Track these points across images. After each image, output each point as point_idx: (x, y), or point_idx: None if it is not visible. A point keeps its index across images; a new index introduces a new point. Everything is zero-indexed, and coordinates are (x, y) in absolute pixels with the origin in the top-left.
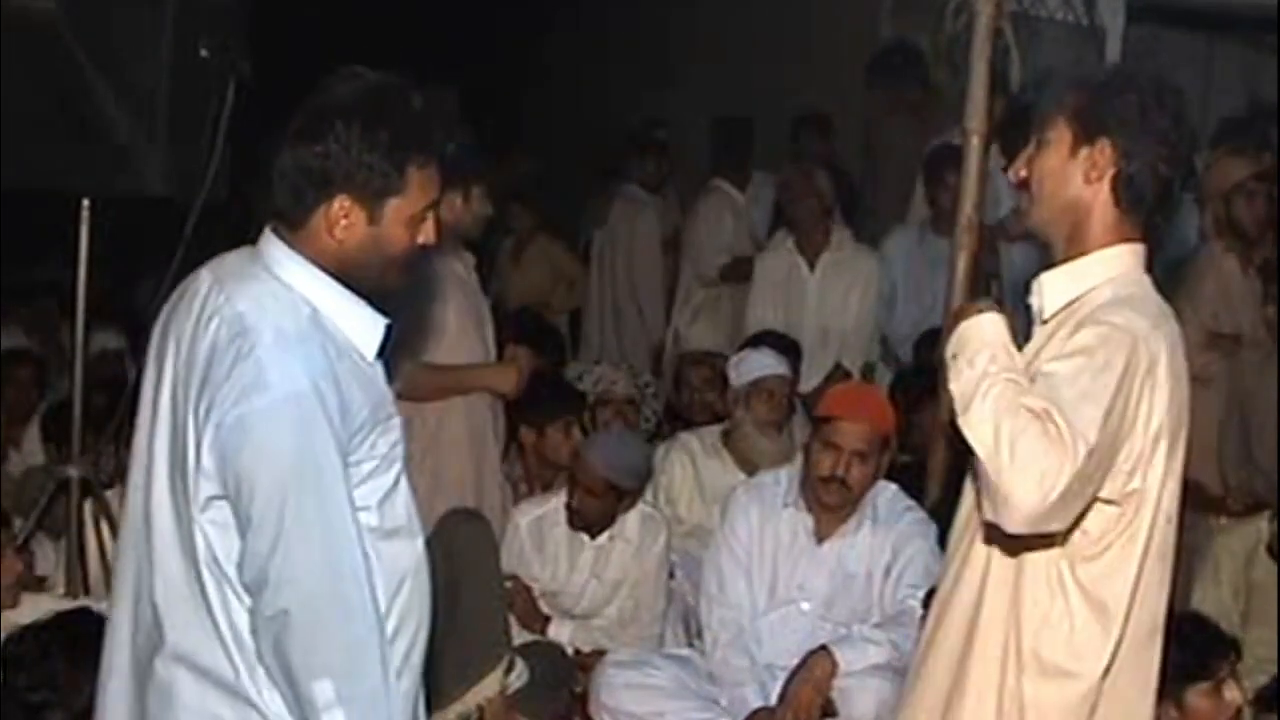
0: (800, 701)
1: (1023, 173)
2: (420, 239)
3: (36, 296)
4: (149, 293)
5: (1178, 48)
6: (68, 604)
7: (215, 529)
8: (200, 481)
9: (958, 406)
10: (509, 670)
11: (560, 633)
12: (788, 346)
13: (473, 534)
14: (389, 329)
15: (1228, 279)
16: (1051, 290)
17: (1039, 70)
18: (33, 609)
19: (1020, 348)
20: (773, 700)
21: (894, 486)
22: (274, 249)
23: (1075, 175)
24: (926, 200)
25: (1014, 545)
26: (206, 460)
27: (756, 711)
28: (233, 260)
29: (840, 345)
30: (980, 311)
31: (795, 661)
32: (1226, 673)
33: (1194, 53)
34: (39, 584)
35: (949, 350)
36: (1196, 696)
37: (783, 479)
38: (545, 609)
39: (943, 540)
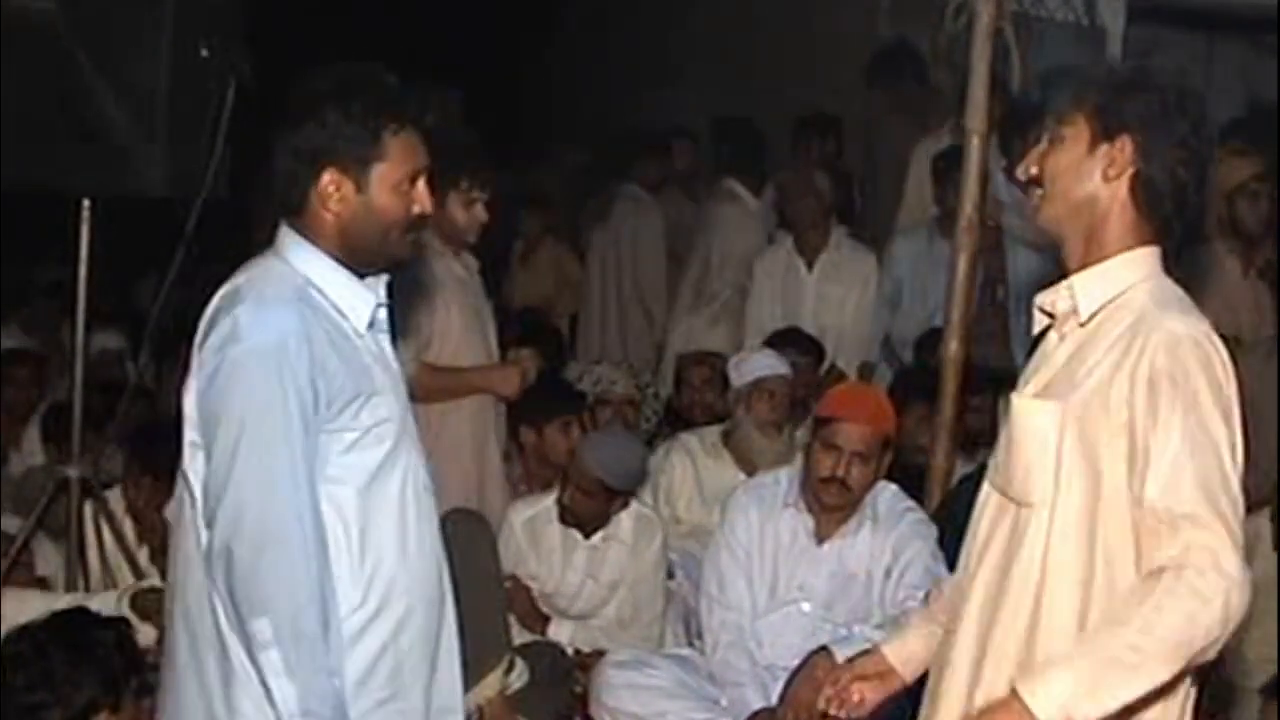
0: (801, 702)
1: (1034, 169)
2: (416, 208)
3: (36, 296)
4: (149, 293)
5: (1178, 48)
6: (54, 601)
7: (198, 480)
8: (187, 431)
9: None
10: (509, 670)
11: (560, 633)
12: (808, 345)
13: (473, 534)
14: (392, 309)
15: (1229, 280)
16: (1085, 292)
17: (1041, 70)
18: (18, 607)
19: (1026, 352)
20: (773, 701)
21: (894, 487)
22: (283, 236)
23: (1093, 172)
24: (935, 202)
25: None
26: (190, 408)
27: (757, 712)
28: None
29: (837, 345)
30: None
31: (796, 662)
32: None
33: (1194, 53)
34: (39, 584)
35: None
36: None
37: (783, 479)
38: (544, 609)
39: (943, 541)
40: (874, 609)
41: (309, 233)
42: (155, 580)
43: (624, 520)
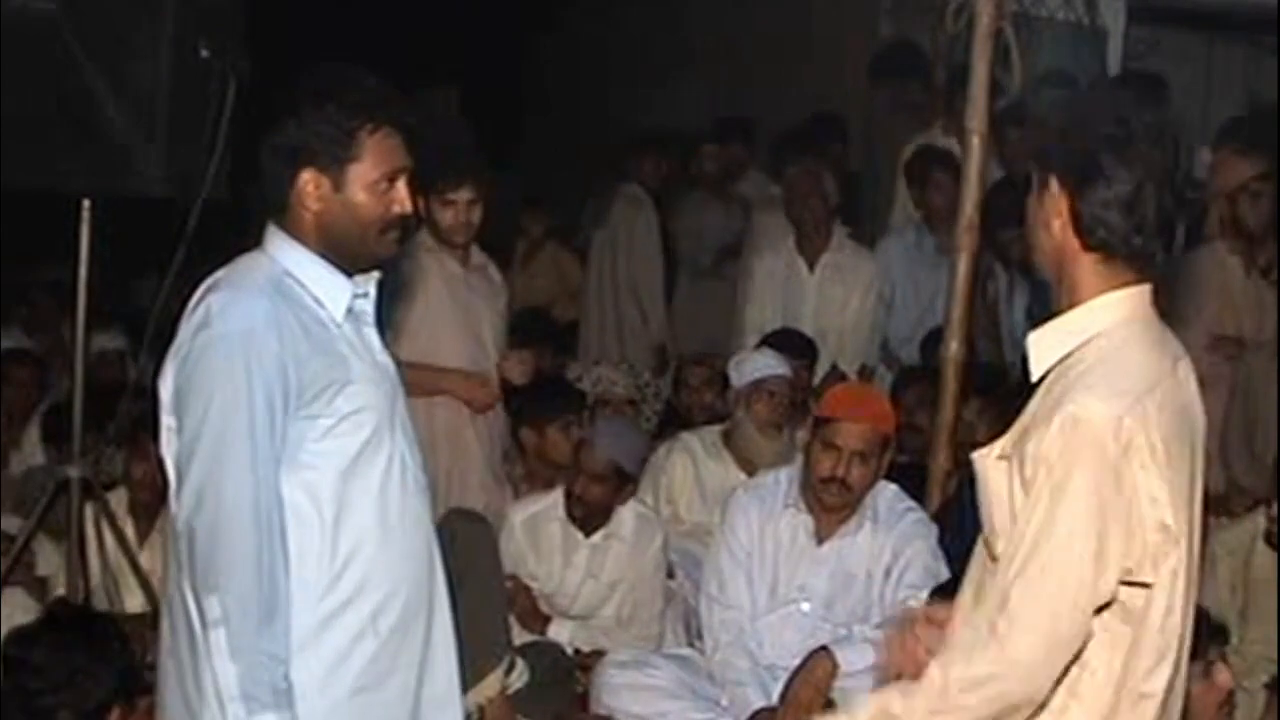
0: (801, 702)
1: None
2: (395, 208)
3: (37, 296)
4: (149, 293)
5: (1178, 48)
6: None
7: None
8: (164, 415)
9: None
10: (509, 670)
11: (560, 633)
12: (803, 346)
13: (473, 534)
14: (380, 301)
15: (1232, 280)
16: (1038, 350)
17: (1042, 70)
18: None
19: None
20: (773, 700)
21: (894, 487)
22: (270, 232)
23: (1046, 221)
24: (914, 202)
25: None
26: (164, 392)
27: (758, 712)
28: None
29: (838, 346)
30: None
31: (796, 662)
32: (1216, 655)
33: (1194, 53)
34: (40, 585)
35: None
36: (1188, 679)
37: (783, 479)
38: (544, 609)
39: (943, 541)
40: (874, 609)
41: (292, 230)
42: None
43: (626, 519)
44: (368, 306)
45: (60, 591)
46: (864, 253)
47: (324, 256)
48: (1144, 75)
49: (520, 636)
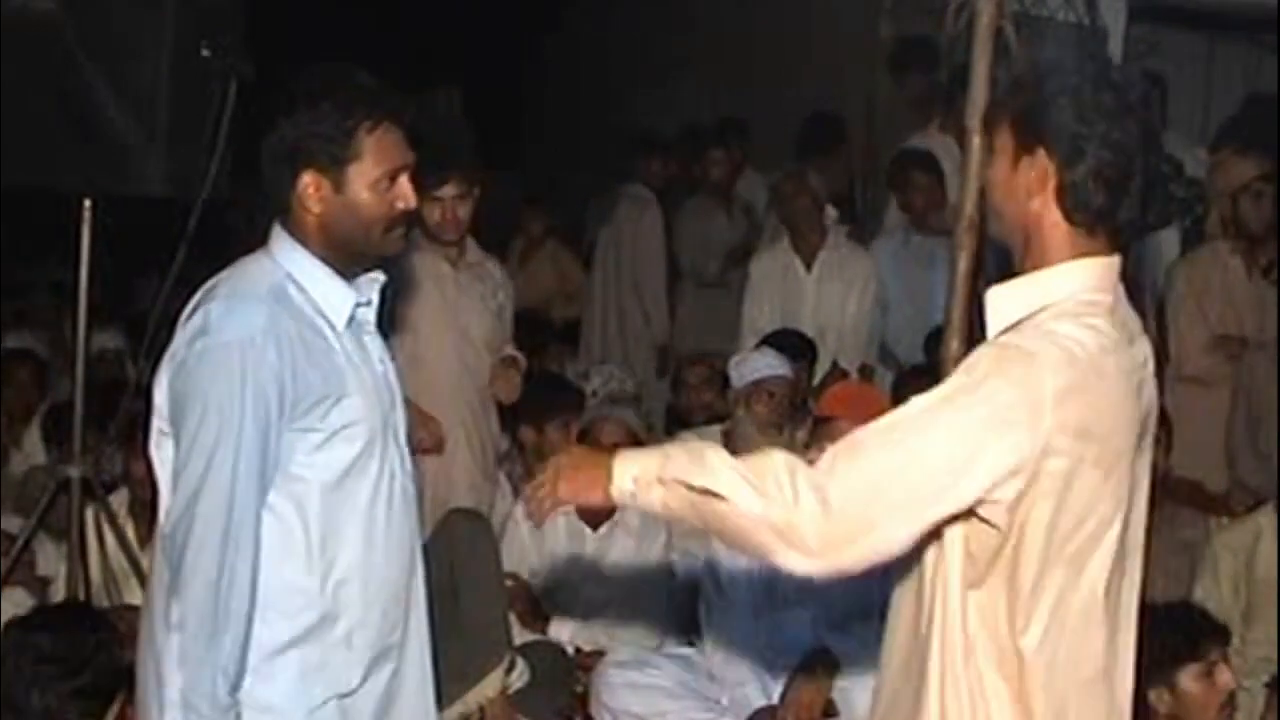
0: (801, 701)
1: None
2: (399, 204)
3: (37, 296)
4: (149, 293)
5: (1178, 48)
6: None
7: (164, 467)
8: (156, 419)
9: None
10: (509, 670)
11: (560, 632)
12: (803, 346)
13: (473, 534)
14: (383, 308)
15: (1234, 280)
16: (996, 308)
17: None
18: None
19: None
20: (774, 700)
21: None
22: (274, 234)
23: (1019, 188)
24: (899, 205)
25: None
26: (159, 397)
27: (758, 711)
28: None
29: (837, 345)
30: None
31: (796, 661)
32: (1218, 655)
33: (1194, 53)
34: (40, 584)
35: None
36: (1188, 679)
37: None
38: (545, 607)
39: None
40: (874, 608)
41: (295, 231)
42: None
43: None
44: (370, 315)
45: (61, 591)
46: (861, 251)
47: (326, 259)
48: (1144, 74)
49: (520, 636)
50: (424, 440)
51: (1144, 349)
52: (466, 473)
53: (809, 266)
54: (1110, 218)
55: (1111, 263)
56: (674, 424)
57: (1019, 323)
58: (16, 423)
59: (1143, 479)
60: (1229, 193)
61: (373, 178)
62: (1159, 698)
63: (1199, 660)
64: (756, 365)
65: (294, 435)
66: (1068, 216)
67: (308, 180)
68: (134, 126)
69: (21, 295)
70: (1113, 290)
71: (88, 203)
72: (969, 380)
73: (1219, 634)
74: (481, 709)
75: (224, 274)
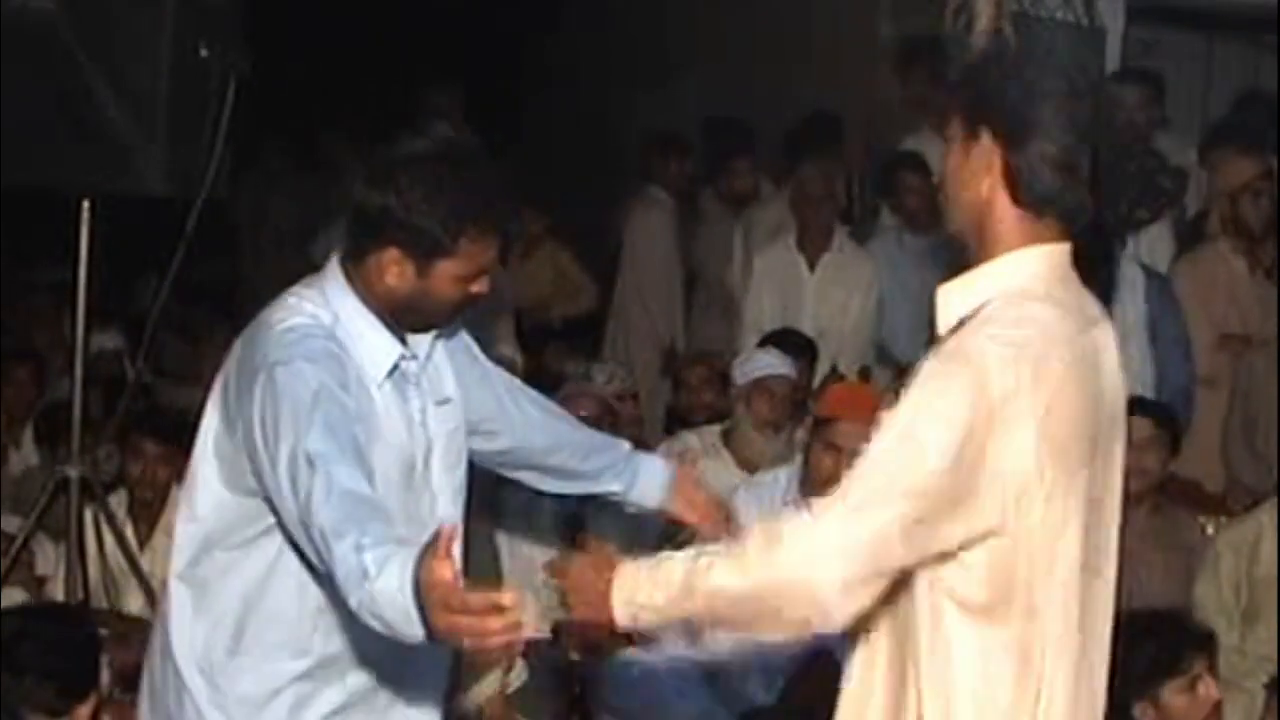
0: (801, 701)
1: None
2: (474, 290)
3: (37, 296)
4: (149, 293)
5: (1178, 48)
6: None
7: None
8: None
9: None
10: (509, 670)
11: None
12: (803, 346)
13: (473, 533)
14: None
15: (1236, 279)
16: (945, 305)
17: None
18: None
19: None
20: (774, 700)
21: None
22: (333, 270)
23: (970, 174)
24: (890, 209)
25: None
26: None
27: (759, 711)
28: None
29: (837, 347)
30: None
31: (797, 662)
32: (1202, 668)
33: (1194, 53)
34: (39, 584)
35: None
36: (1172, 693)
37: (783, 479)
38: None
39: None
40: None
41: (357, 284)
42: None
43: None
44: (414, 368)
45: (59, 591)
46: (864, 255)
47: (381, 314)
48: (1144, 74)
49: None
50: None
51: (1104, 336)
52: None
53: (812, 268)
54: (1059, 201)
55: (1063, 250)
56: (674, 424)
57: (965, 320)
58: (15, 423)
59: (1114, 475)
60: (1229, 192)
61: (459, 275)
62: (1143, 712)
63: (1182, 674)
64: (758, 364)
65: None
66: (1016, 200)
67: (392, 256)
68: (133, 126)
69: (22, 295)
70: (1064, 277)
71: (87, 203)
72: (921, 396)
73: (1202, 644)
74: (481, 709)
75: (276, 302)
